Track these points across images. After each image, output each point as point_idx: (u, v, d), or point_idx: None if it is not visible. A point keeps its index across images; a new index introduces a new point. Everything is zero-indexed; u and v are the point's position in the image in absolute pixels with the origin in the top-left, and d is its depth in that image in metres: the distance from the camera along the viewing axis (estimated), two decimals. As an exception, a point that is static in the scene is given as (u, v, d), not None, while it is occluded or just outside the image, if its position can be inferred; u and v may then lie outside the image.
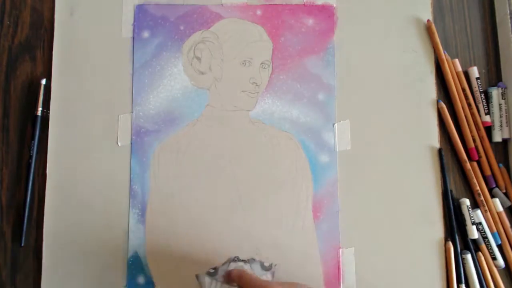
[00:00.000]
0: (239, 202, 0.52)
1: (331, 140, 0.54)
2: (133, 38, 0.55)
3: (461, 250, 0.52)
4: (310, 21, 0.56)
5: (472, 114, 0.54)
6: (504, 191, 0.53)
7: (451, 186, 0.54)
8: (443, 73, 0.55)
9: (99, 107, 0.53)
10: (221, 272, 0.51)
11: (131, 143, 0.53)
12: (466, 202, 0.52)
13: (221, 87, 0.54)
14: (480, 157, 0.53)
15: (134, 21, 0.55)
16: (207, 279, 0.50)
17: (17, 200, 0.52)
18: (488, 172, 0.53)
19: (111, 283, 0.50)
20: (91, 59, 0.54)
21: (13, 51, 0.55)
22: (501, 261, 0.52)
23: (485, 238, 0.52)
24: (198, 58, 0.55)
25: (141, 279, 0.51)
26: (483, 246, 0.52)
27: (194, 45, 0.55)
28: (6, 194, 0.52)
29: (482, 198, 0.53)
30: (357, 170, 0.53)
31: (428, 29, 0.56)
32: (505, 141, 0.55)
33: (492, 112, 0.54)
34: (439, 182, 0.53)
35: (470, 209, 0.52)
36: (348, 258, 0.51)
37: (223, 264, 0.51)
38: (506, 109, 0.54)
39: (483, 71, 0.56)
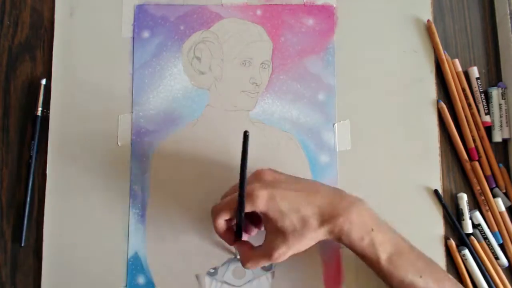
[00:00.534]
0: (239, 202, 0.52)
1: (331, 140, 0.54)
2: (133, 38, 0.55)
3: (457, 246, 0.52)
4: (310, 21, 0.56)
5: (472, 114, 0.54)
6: (504, 191, 0.53)
7: (451, 185, 0.54)
8: (443, 73, 0.55)
9: (99, 107, 0.53)
10: (221, 272, 0.51)
11: (131, 143, 0.53)
12: (464, 197, 0.52)
13: (221, 87, 0.54)
14: (480, 157, 0.53)
15: (134, 21, 0.55)
16: (207, 279, 0.50)
17: (17, 200, 0.52)
18: (488, 172, 0.53)
19: (111, 283, 0.50)
20: (91, 59, 0.54)
21: (13, 51, 0.55)
22: (504, 260, 0.52)
23: (485, 239, 0.52)
24: (198, 58, 0.55)
25: (141, 279, 0.51)
26: (484, 244, 0.52)
27: (194, 45, 0.55)
28: (6, 194, 0.52)
29: (483, 197, 0.53)
30: (357, 170, 0.53)
31: (428, 29, 0.56)
32: (505, 141, 0.55)
33: (492, 112, 0.54)
34: (439, 182, 0.53)
35: (467, 203, 0.52)
36: (348, 258, 0.51)
37: (223, 264, 0.51)
38: (506, 109, 0.54)
39: (483, 71, 0.56)
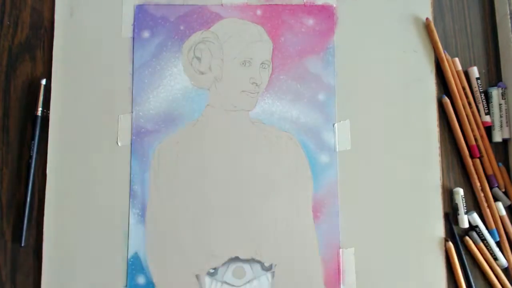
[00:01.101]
0: (239, 202, 0.52)
1: (331, 140, 0.54)
2: (133, 38, 0.55)
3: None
4: (310, 21, 0.56)
5: (473, 113, 0.54)
6: (503, 190, 0.53)
7: (451, 184, 0.54)
8: (443, 71, 0.55)
9: (99, 107, 0.53)
10: (221, 272, 0.51)
11: (131, 143, 0.53)
12: (460, 191, 0.52)
13: (221, 87, 0.54)
14: (482, 156, 0.53)
15: (134, 21, 0.55)
16: (207, 279, 0.50)
17: (17, 200, 0.52)
18: (490, 171, 0.53)
19: (111, 283, 0.50)
20: (91, 59, 0.54)
21: (13, 51, 0.55)
22: (503, 261, 0.52)
23: (483, 240, 0.52)
24: (198, 58, 0.55)
25: (141, 279, 0.51)
26: (482, 246, 0.52)
27: (194, 45, 0.55)
28: (6, 194, 0.52)
29: (483, 194, 0.53)
30: (357, 170, 0.53)
31: (427, 27, 0.56)
32: (505, 141, 0.55)
33: (492, 112, 0.54)
34: (439, 182, 0.53)
35: (463, 198, 0.52)
36: (348, 258, 0.51)
37: (223, 264, 0.51)
38: (506, 109, 0.54)
39: (483, 71, 0.56)
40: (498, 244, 0.52)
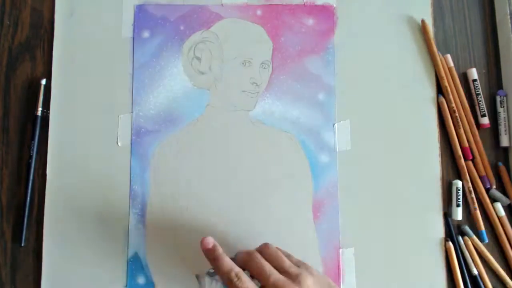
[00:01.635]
0: (239, 202, 0.52)
1: (331, 140, 0.54)
2: (133, 38, 0.55)
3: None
4: (310, 21, 0.56)
5: (465, 113, 0.54)
6: (494, 186, 0.53)
7: (450, 183, 0.54)
8: (435, 68, 0.55)
9: (99, 107, 0.53)
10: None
11: (131, 143, 0.53)
12: (458, 183, 0.52)
13: (221, 87, 0.54)
14: (474, 157, 0.53)
15: (134, 21, 0.55)
16: (207, 279, 0.50)
17: (17, 200, 0.52)
18: (482, 173, 0.53)
19: (111, 283, 0.50)
20: (91, 59, 0.54)
21: (13, 51, 0.55)
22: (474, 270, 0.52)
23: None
24: (198, 58, 0.55)
25: (141, 279, 0.51)
26: (475, 238, 0.52)
27: (194, 45, 0.55)
28: (6, 194, 0.52)
29: (473, 195, 0.53)
30: (357, 170, 0.53)
31: (422, 27, 0.55)
32: (504, 149, 0.55)
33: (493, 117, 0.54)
34: (439, 182, 0.53)
35: (459, 190, 0.52)
36: (348, 258, 0.51)
37: (223, 264, 0.51)
38: (505, 117, 0.54)
39: (483, 71, 0.56)
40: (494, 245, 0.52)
